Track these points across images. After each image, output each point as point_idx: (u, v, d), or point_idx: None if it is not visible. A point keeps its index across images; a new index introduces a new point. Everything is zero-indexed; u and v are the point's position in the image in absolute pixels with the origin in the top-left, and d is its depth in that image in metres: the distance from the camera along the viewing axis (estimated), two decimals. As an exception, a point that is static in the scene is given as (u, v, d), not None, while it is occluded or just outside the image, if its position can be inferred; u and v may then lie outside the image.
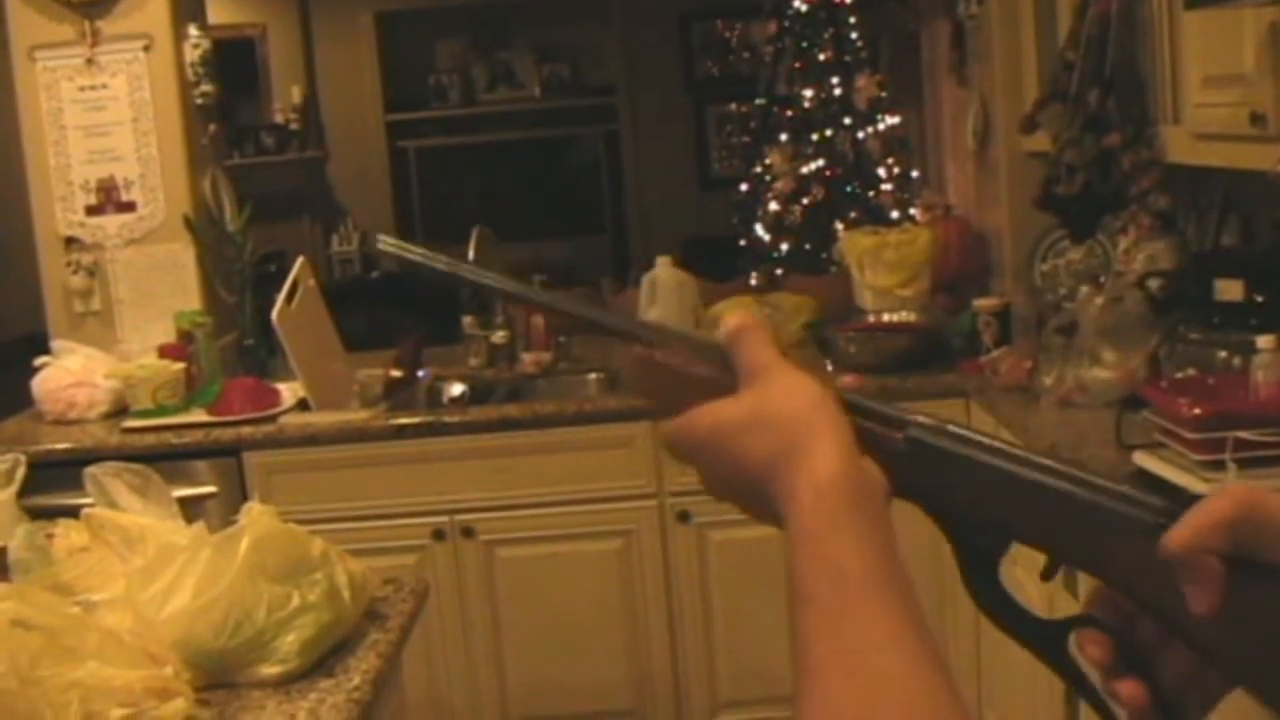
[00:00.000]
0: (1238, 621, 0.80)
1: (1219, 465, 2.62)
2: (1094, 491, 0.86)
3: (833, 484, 0.85)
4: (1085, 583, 0.92)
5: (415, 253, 1.07)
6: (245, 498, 3.72)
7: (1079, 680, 0.90)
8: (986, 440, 0.90)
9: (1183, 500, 0.83)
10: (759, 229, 6.90)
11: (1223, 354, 3.16)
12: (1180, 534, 0.80)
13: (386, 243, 1.08)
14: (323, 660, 2.25)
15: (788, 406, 0.89)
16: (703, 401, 0.92)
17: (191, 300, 4.59)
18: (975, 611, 0.93)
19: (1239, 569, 0.79)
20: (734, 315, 0.96)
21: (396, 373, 4.40)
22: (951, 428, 0.92)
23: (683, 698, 4.22)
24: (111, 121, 4.56)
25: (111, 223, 4.59)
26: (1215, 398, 2.78)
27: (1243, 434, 2.64)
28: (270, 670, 2.19)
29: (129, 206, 4.59)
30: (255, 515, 2.38)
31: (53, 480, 3.17)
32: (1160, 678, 0.85)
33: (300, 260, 4.37)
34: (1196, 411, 2.69)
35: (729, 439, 0.90)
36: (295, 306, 4.18)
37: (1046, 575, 0.91)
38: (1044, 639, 0.90)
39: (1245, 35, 2.83)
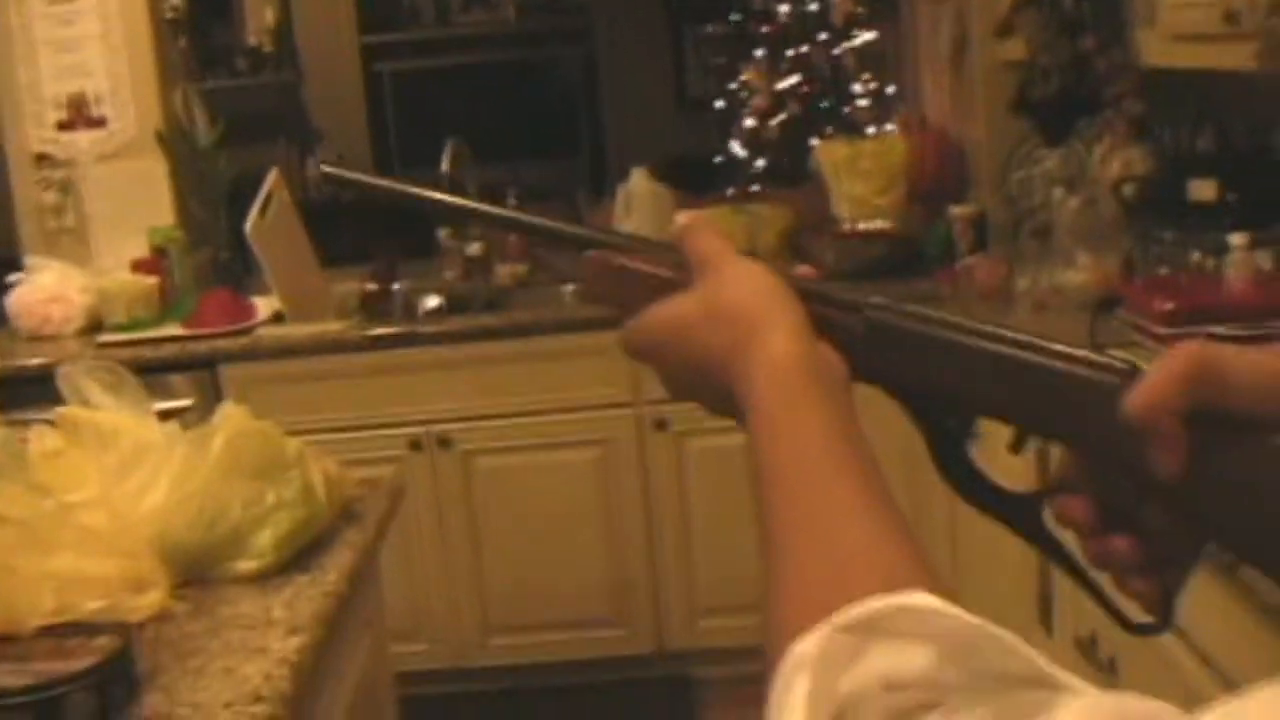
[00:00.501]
0: (1206, 477, 0.78)
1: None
2: (1053, 358, 0.85)
3: (788, 364, 0.84)
4: (1057, 458, 0.91)
5: (357, 177, 1.07)
6: (221, 410, 3.71)
7: (1056, 551, 0.89)
8: (943, 316, 0.89)
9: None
10: (735, 146, 6.87)
11: (1196, 255, 3.17)
12: (1139, 396, 0.78)
13: (328, 170, 1.08)
14: (298, 556, 2.25)
15: (738, 295, 0.88)
16: (657, 300, 0.91)
17: (165, 216, 4.57)
18: (949, 494, 0.92)
19: (1202, 424, 0.78)
20: (685, 216, 0.95)
21: (372, 286, 4.39)
22: (908, 307, 0.90)
23: (661, 605, 4.24)
24: (81, 36, 4.52)
25: (83, 138, 4.56)
26: (1188, 294, 2.79)
27: (1215, 329, 2.64)
28: (246, 566, 2.20)
29: (100, 122, 4.56)
30: (229, 414, 2.38)
31: (28, 395, 3.15)
32: (1143, 533, 0.84)
33: (273, 173, 4.34)
34: (1169, 307, 2.70)
35: (682, 334, 0.89)
36: (269, 220, 4.16)
37: (1015, 448, 0.91)
38: (1018, 512, 0.89)
39: (1219, -69, 2.81)
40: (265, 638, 1.97)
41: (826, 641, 0.72)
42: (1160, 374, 0.79)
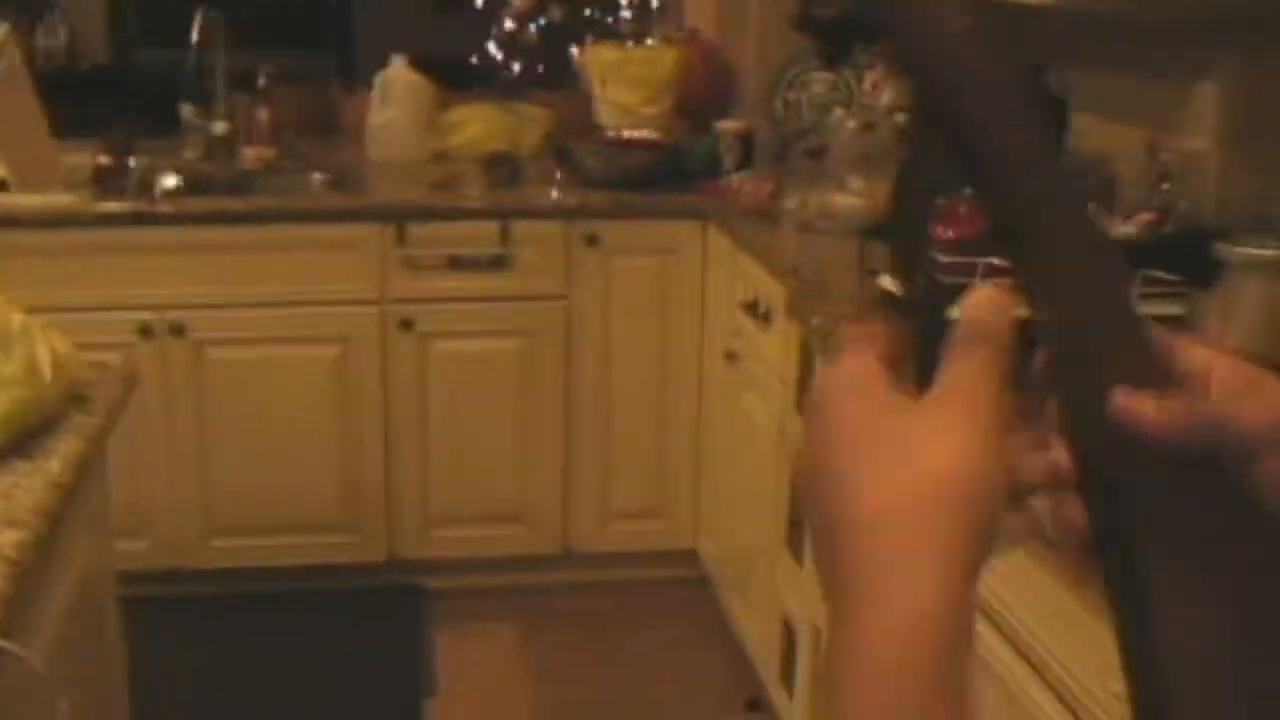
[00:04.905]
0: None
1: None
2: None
3: (918, 637, 0.64)
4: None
5: None
6: (-67, 279, 3.43)
7: None
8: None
9: None
10: (492, 47, 6.68)
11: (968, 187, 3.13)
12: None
13: None
14: (19, 442, 2.05)
15: (930, 482, 0.65)
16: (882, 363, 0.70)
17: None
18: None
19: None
20: (986, 295, 0.69)
21: (106, 159, 4.11)
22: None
23: (394, 512, 4.09)
24: None
25: None
26: (966, 223, 2.74)
27: (993, 260, 2.60)
28: (-42, 449, 1.99)
29: None
30: (-53, 282, 2.16)
31: None
32: None
33: (3, 28, 4.02)
34: (949, 235, 2.65)
35: (851, 447, 0.68)
36: (-3, 79, 3.86)
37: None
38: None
39: None
40: (-21, 530, 1.78)
41: None
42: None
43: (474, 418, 4.06)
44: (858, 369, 0.69)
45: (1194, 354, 0.70)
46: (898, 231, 0.75)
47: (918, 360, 0.70)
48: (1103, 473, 0.68)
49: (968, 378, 0.67)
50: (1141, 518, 0.67)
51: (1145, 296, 2.62)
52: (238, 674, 3.80)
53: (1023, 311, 0.69)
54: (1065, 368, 0.69)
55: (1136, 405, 0.66)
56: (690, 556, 4.19)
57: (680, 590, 4.19)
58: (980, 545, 0.65)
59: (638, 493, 4.18)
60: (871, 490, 0.66)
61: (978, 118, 0.68)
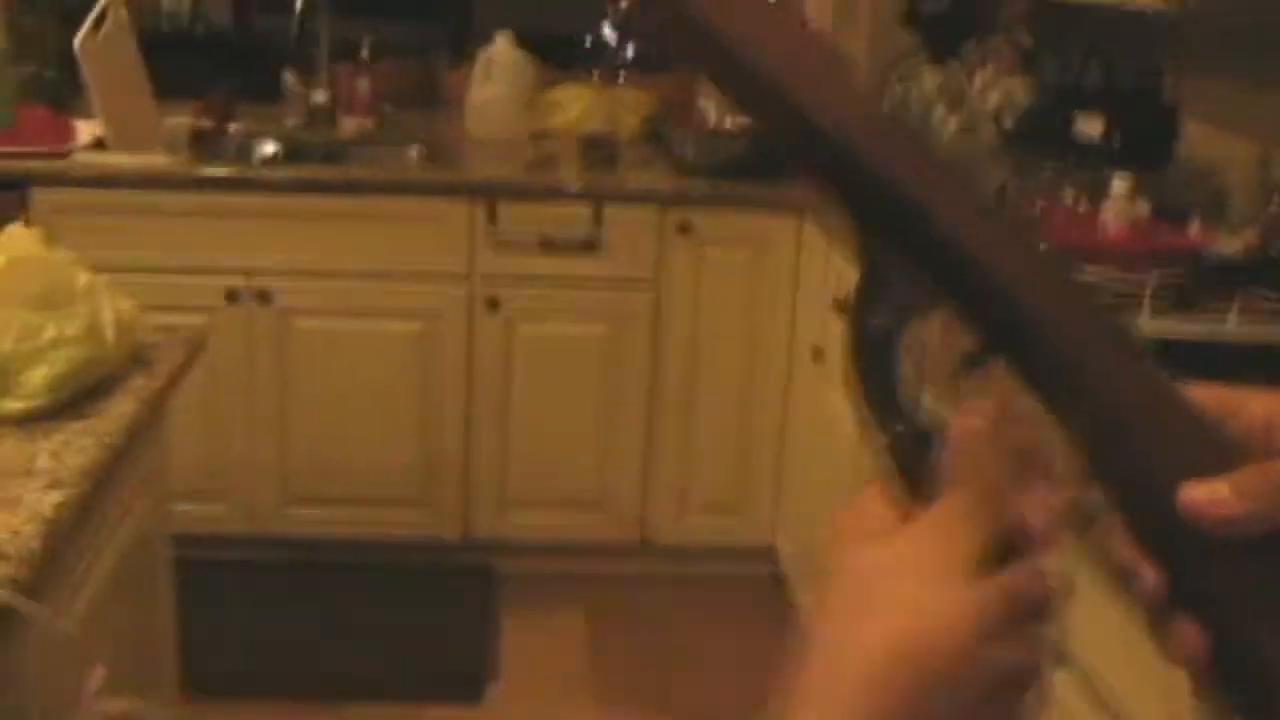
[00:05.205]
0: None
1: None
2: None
3: None
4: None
5: None
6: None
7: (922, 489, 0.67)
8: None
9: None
10: (606, 28, 6.64)
11: (1071, 193, 3.04)
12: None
13: None
14: (75, 401, 2.03)
15: (872, 654, 0.62)
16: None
17: (-10, 21, 4.24)
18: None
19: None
20: (970, 432, 0.65)
21: (206, 123, 4.11)
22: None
23: (471, 492, 4.06)
24: None
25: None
26: (1063, 232, 2.66)
27: (1087, 270, 2.51)
28: (13, 405, 1.97)
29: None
30: (15, 235, 2.15)
31: None
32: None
33: (111, -11, 4.02)
34: (1043, 244, 2.56)
35: (833, 597, 0.66)
36: (102, 37, 3.86)
37: (969, 364, 0.68)
38: (908, 442, 0.65)
39: None
40: (21, 488, 1.76)
41: None
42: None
43: (556, 401, 4.01)
44: (860, 512, 0.67)
45: (1250, 407, 0.62)
46: (863, 376, 0.67)
47: (911, 490, 0.64)
48: (1198, 582, 0.60)
49: (945, 522, 0.63)
50: (1255, 615, 0.58)
51: (1247, 317, 2.52)
52: (301, 643, 3.79)
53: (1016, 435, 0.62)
54: (1113, 474, 0.61)
55: (1207, 496, 0.59)
56: (769, 553, 4.12)
57: (756, 587, 4.13)
58: (945, 693, 0.61)
59: (718, 486, 4.12)
60: (821, 652, 0.63)
61: (945, 220, 0.62)
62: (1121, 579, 0.62)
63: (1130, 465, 0.61)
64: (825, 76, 0.64)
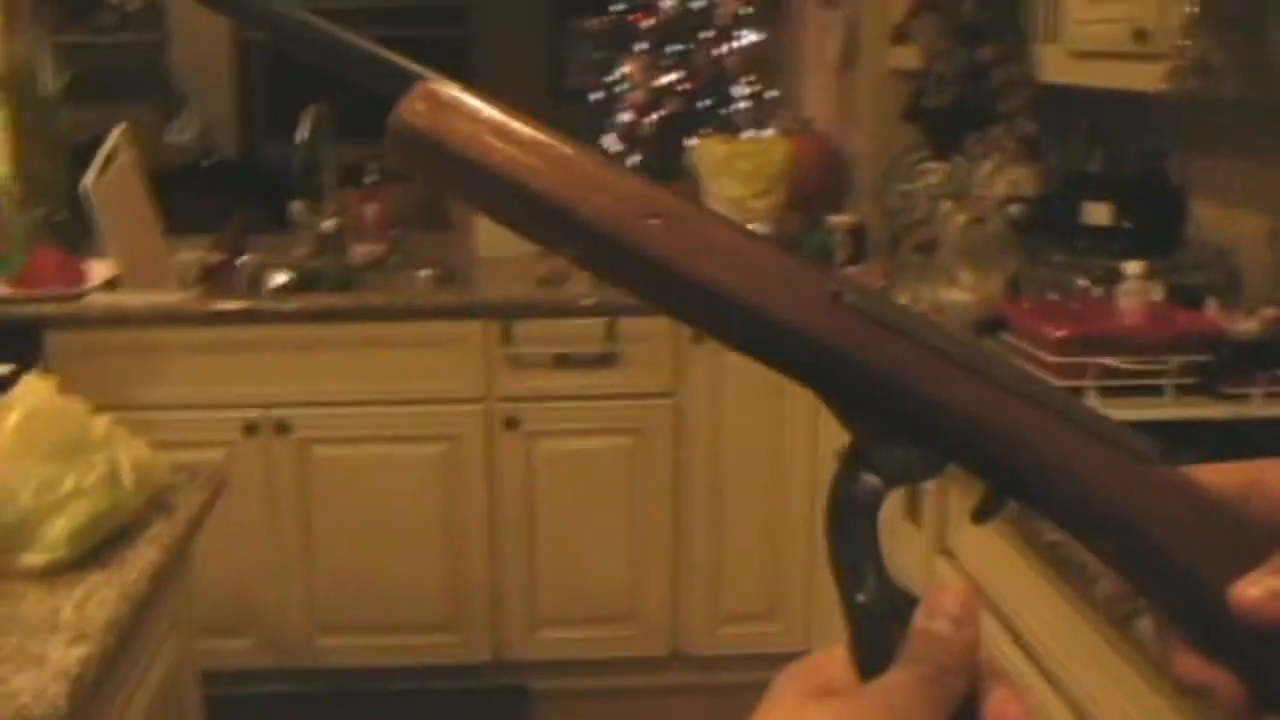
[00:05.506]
0: None
1: (1078, 392, 2.48)
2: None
3: None
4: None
5: None
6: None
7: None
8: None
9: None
10: (609, 140, 6.68)
11: (1083, 281, 3.03)
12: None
13: None
14: (96, 551, 2.02)
15: None
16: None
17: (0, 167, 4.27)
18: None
19: None
20: (944, 606, 0.62)
21: (217, 256, 4.13)
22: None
23: (500, 612, 4.03)
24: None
25: (-86, 78, 4.25)
26: (1079, 321, 2.64)
27: (1106, 360, 2.50)
28: (34, 559, 1.96)
29: (-67, 62, 4.25)
30: (30, 387, 2.15)
31: None
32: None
33: (118, 130, 4.06)
34: (1061, 333, 2.55)
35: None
36: (110, 177, 3.89)
37: (980, 516, 0.65)
38: (877, 610, 0.63)
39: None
40: (45, 645, 1.74)
41: None
42: None
43: (581, 517, 3.99)
44: (813, 668, 0.65)
45: (1268, 480, 0.61)
46: (835, 541, 0.64)
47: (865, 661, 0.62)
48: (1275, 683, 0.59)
49: (890, 696, 0.60)
50: None
51: (1272, 398, 2.50)
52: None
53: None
54: (1158, 593, 0.61)
55: (1261, 592, 0.58)
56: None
57: (793, 694, 4.07)
58: None
59: (750, 594, 4.08)
60: None
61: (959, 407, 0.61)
62: (1195, 696, 0.61)
63: (1173, 581, 0.60)
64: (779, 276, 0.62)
